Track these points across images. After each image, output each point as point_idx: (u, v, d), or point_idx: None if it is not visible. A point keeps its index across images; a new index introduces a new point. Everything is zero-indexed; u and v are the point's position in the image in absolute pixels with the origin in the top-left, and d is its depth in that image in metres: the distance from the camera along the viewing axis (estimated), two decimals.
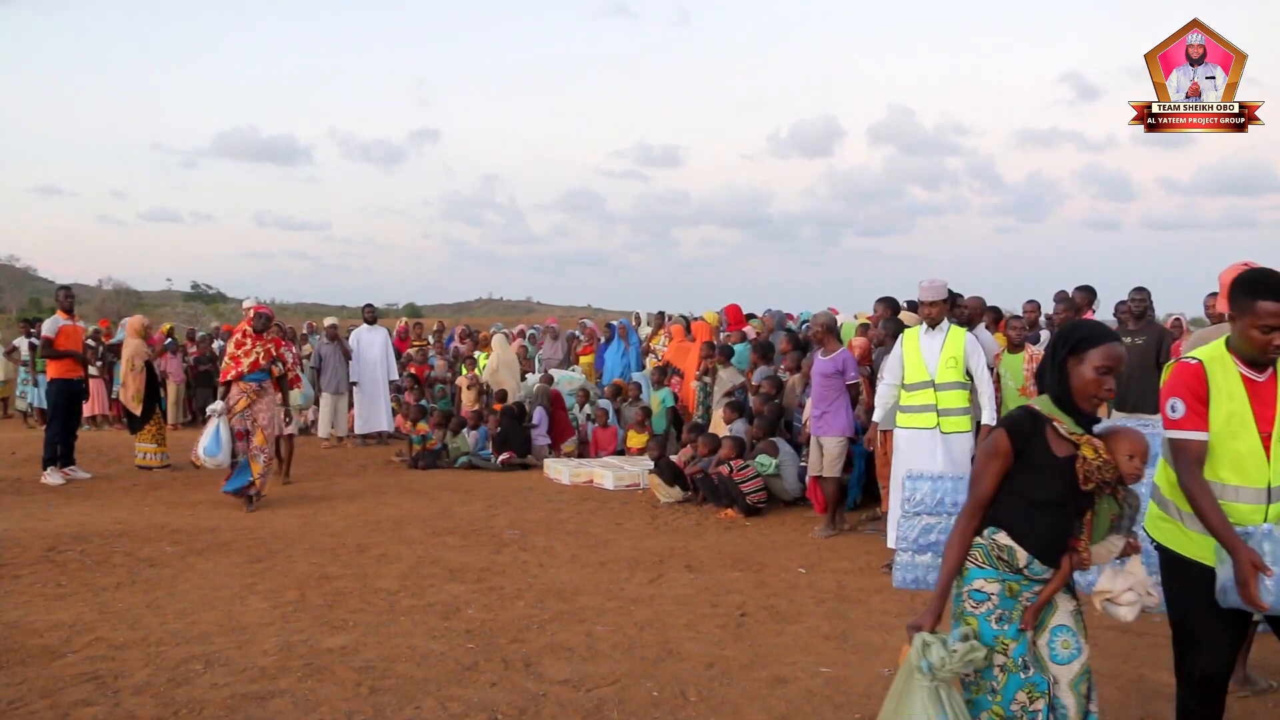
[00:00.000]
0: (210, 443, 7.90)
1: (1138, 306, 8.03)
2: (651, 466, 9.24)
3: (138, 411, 10.43)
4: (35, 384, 14.48)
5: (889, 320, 7.52)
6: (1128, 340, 7.89)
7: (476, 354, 13.85)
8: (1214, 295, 8.50)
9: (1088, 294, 8.98)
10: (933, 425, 6.09)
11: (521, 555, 6.66)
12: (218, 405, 8.06)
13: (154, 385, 10.63)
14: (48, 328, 9.73)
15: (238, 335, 8.36)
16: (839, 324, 9.51)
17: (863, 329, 8.77)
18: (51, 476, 9.57)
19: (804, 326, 10.49)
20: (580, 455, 11.42)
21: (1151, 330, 7.82)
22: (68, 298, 10.05)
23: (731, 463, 8.20)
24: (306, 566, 6.24)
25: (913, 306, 8.22)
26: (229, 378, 8.23)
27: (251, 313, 8.32)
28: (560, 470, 10.11)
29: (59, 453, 9.76)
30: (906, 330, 6.46)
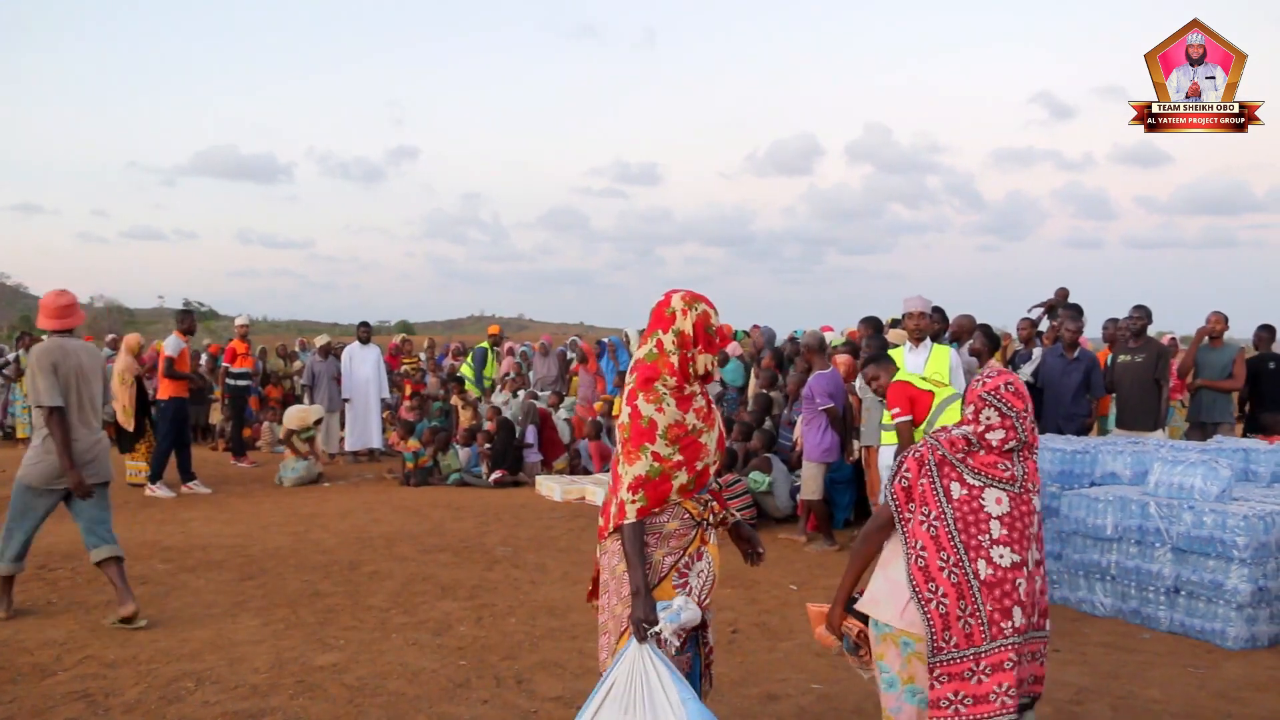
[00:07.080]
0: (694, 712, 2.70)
1: (1136, 325, 8.00)
2: None
3: (130, 427, 10.42)
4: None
5: (872, 338, 7.58)
6: (1126, 358, 7.88)
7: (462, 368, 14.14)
8: (1217, 313, 8.48)
9: (1075, 312, 9.04)
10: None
11: (513, 572, 6.67)
12: (682, 613, 2.99)
13: (144, 401, 10.63)
14: (171, 347, 10.19)
15: (656, 363, 3.09)
16: (829, 342, 9.57)
17: (847, 347, 8.81)
18: (159, 489, 10.04)
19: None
20: (572, 472, 11.43)
21: (1150, 348, 7.77)
22: (188, 319, 10.64)
23: (720, 479, 8.21)
24: (298, 584, 6.24)
25: (896, 324, 8.30)
26: (672, 496, 3.11)
27: (701, 315, 3.13)
28: (552, 487, 10.13)
29: (163, 469, 10.20)
30: (892, 350, 6.53)
